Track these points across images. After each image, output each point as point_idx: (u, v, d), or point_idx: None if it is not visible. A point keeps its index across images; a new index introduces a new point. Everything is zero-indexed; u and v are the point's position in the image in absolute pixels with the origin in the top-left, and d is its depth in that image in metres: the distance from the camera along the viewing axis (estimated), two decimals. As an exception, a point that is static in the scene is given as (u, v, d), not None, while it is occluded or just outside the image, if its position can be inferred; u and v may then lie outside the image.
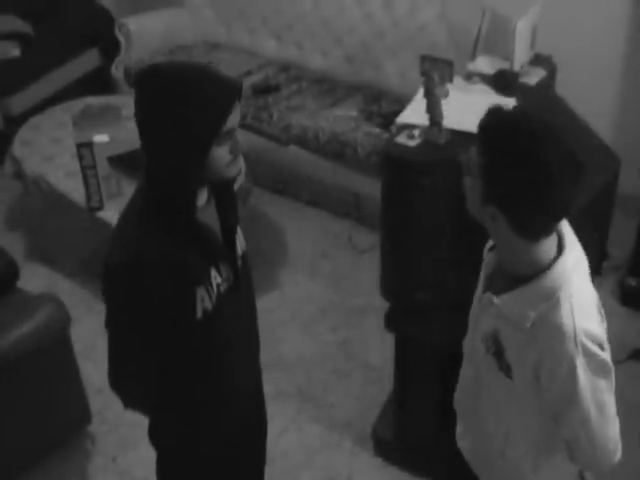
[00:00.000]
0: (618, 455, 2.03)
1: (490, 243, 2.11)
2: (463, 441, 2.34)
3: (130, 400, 2.17)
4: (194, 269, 2.03)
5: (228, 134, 1.93)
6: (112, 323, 2.05)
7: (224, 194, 2.14)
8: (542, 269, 1.87)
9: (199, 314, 2.06)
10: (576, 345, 1.82)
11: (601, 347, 1.87)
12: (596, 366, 1.87)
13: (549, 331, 1.85)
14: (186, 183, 1.94)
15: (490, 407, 2.13)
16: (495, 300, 1.94)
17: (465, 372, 2.27)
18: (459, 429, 2.36)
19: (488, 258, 2.09)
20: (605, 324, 1.97)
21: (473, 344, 2.11)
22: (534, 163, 1.74)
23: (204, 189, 2.05)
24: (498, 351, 1.98)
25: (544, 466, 2.11)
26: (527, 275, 1.89)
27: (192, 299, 2.04)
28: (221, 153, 1.94)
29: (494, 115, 1.84)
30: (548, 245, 1.89)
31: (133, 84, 1.96)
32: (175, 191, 1.95)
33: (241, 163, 2.03)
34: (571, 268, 1.89)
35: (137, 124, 1.96)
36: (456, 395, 2.34)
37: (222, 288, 2.11)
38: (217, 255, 2.11)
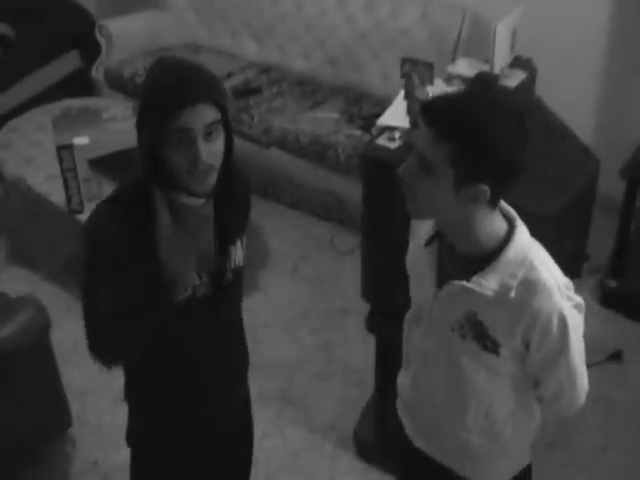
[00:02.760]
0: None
1: (422, 239, 2.08)
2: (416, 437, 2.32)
3: (109, 358, 2.09)
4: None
5: (181, 134, 1.85)
6: (82, 280, 2.04)
7: (222, 204, 2.03)
8: (504, 241, 1.93)
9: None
10: (561, 295, 1.92)
11: (571, 290, 1.99)
12: (575, 307, 1.98)
13: (535, 291, 1.90)
14: (144, 167, 1.94)
15: (467, 392, 2.11)
16: (467, 284, 1.95)
17: (422, 372, 2.23)
18: (407, 426, 2.33)
19: (425, 253, 2.07)
20: None
21: (440, 339, 2.09)
22: (507, 130, 1.82)
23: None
24: (480, 332, 1.99)
25: (520, 426, 2.17)
26: (490, 251, 1.93)
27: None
28: (175, 157, 1.87)
29: (447, 102, 1.87)
30: (500, 217, 1.96)
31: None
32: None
33: (210, 181, 1.93)
34: (527, 234, 1.98)
35: None
36: (406, 395, 2.31)
37: (198, 292, 2.07)
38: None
